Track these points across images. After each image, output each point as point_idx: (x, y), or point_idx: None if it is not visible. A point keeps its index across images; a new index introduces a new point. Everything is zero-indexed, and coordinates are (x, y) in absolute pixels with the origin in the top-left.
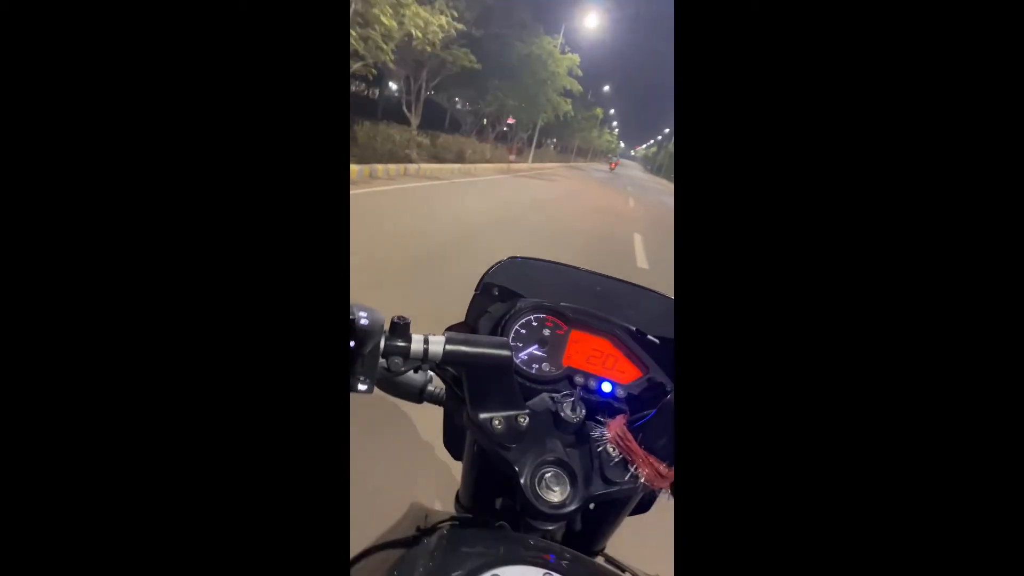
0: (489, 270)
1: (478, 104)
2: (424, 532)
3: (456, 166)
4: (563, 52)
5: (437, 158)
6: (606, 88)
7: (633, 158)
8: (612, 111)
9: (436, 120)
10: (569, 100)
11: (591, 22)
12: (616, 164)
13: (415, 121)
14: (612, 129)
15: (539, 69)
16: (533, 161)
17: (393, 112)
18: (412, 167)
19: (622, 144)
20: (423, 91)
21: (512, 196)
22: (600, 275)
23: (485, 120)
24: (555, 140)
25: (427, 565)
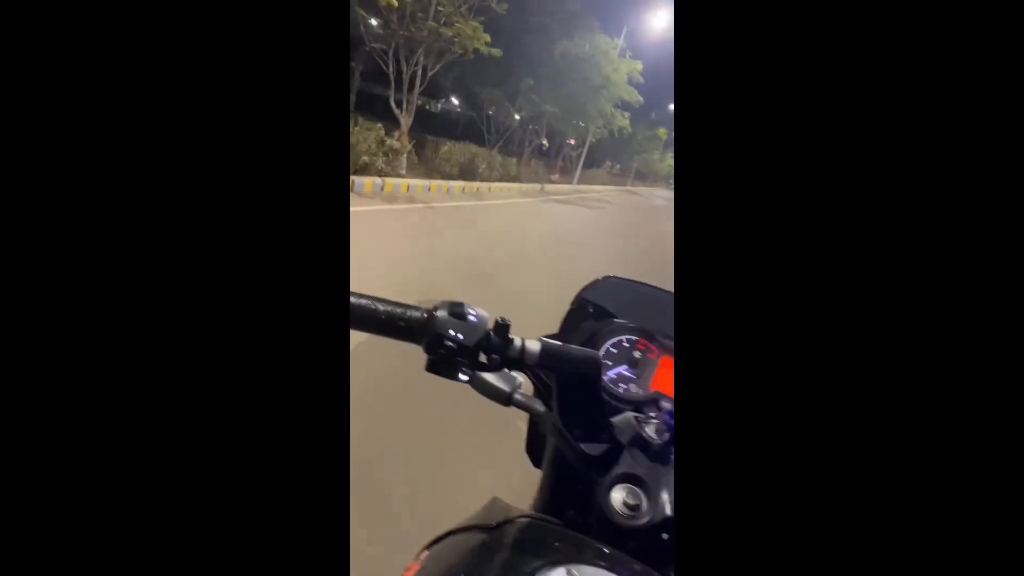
0: (586, 287)
1: (505, 107)
2: (504, 524)
3: (457, 183)
4: (622, 57)
5: (439, 172)
6: (671, 108)
7: None
8: None
9: (472, 133)
10: (627, 115)
11: (660, 23)
12: None
13: (406, 121)
14: None
15: (590, 73)
16: (579, 183)
17: (378, 108)
18: (369, 181)
19: None
20: (418, 80)
21: (514, 232)
22: None
23: (516, 129)
24: (611, 162)
25: (507, 551)
